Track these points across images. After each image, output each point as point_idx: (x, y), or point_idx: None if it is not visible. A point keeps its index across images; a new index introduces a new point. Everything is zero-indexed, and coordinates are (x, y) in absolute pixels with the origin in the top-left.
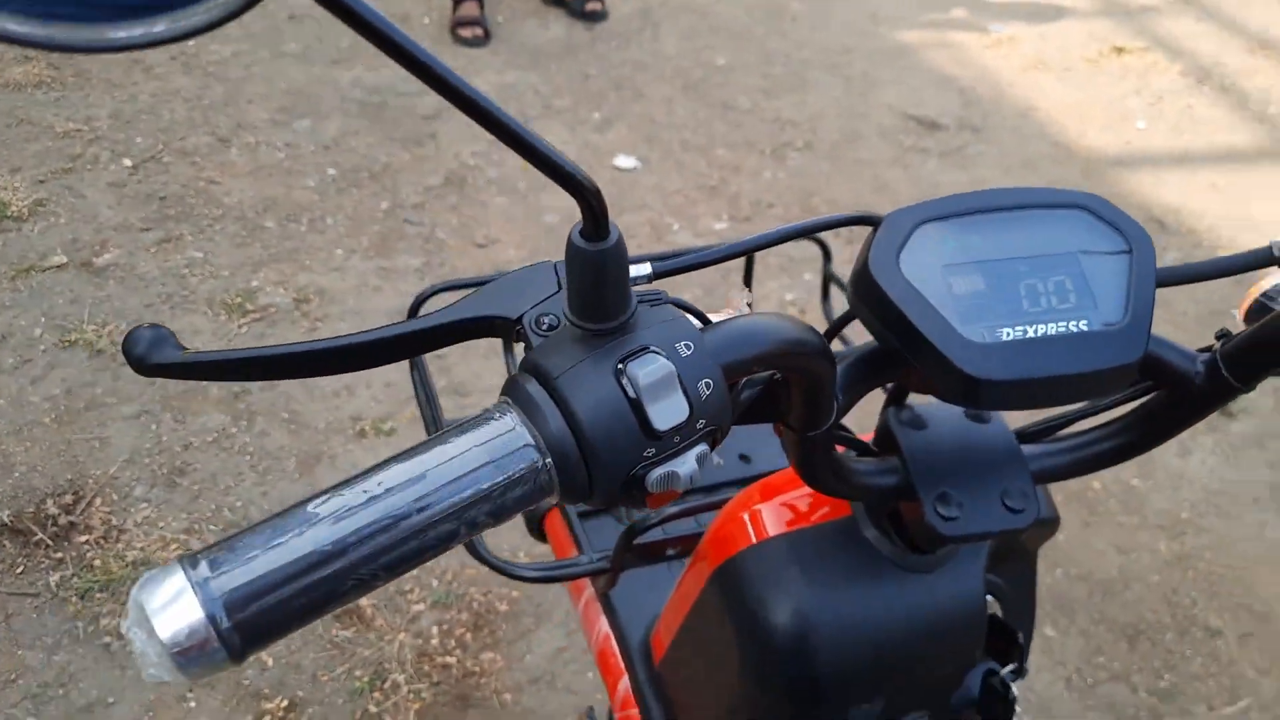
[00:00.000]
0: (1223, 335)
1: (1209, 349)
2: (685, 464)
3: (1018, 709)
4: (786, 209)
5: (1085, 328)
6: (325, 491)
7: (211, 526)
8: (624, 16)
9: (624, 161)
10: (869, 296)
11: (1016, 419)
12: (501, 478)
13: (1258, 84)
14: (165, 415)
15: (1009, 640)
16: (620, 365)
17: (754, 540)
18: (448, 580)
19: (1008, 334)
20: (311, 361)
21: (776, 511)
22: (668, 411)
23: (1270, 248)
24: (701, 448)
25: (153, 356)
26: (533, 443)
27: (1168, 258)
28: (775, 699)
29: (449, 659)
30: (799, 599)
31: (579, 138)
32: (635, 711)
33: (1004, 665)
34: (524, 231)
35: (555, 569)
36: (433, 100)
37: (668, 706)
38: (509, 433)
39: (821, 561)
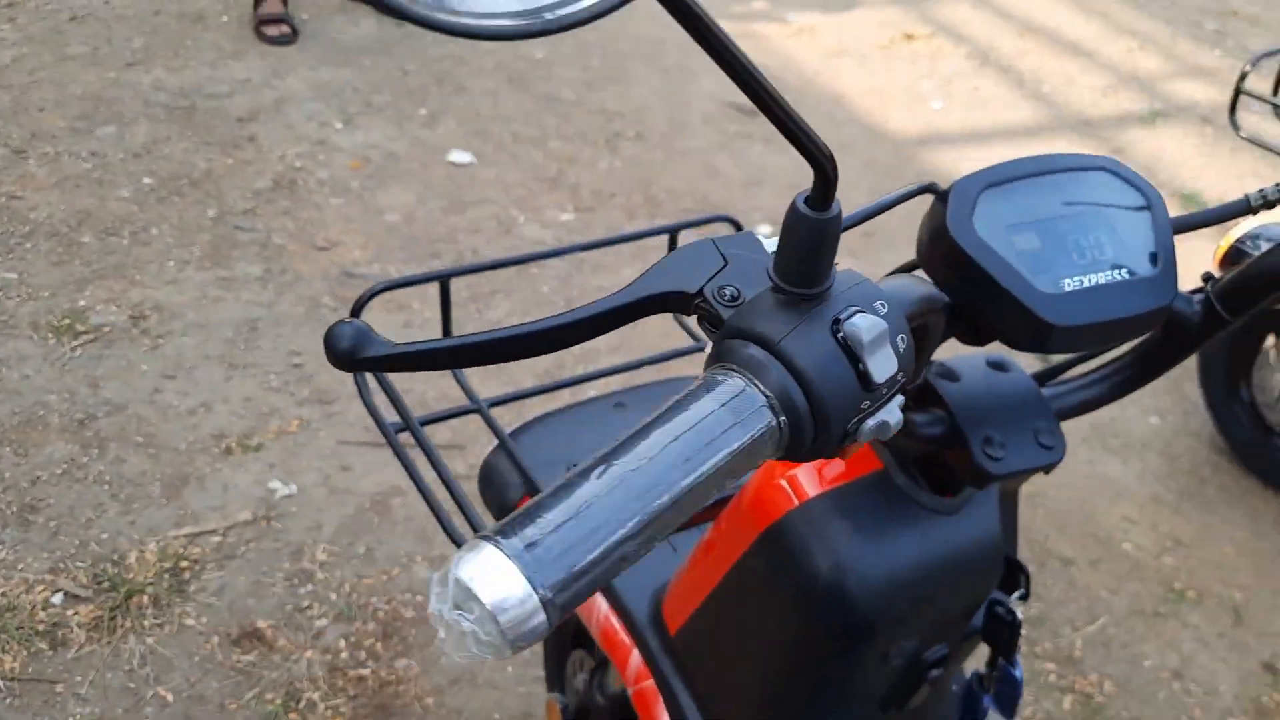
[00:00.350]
0: (1208, 278)
1: (1199, 290)
2: (893, 413)
3: (1022, 631)
4: (628, 197)
5: (1127, 276)
6: (599, 463)
7: (79, 564)
8: None
9: (458, 157)
10: (948, 255)
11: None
12: (745, 438)
13: (1029, 65)
14: (3, 449)
15: (1012, 570)
16: (835, 325)
17: (796, 503)
18: (346, 592)
19: (1069, 285)
20: (505, 347)
21: (809, 474)
22: (883, 365)
23: (1247, 199)
24: (900, 398)
25: (362, 351)
26: (766, 402)
27: None
28: (826, 647)
29: (363, 671)
30: (848, 552)
31: (407, 134)
32: (650, 683)
33: (1009, 595)
34: (366, 232)
35: None
36: (245, 101)
37: (687, 673)
38: (743, 394)
39: (862, 514)
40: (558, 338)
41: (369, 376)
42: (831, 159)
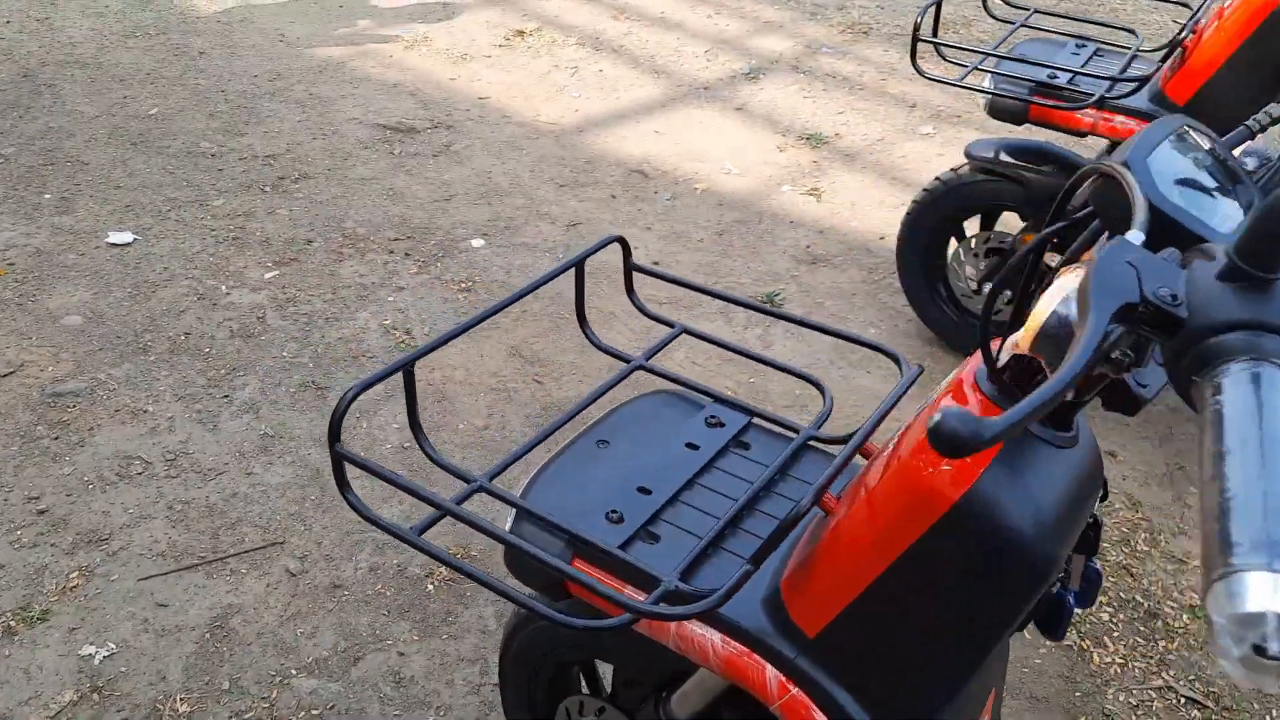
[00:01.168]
0: None
1: None
2: None
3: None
4: (326, 239)
5: (1239, 210)
6: (1218, 462)
7: None
8: (5, 84)
9: (118, 237)
10: (1148, 215)
11: None
12: None
13: (636, 43)
14: None
15: None
16: None
17: (969, 484)
18: None
19: (1227, 223)
20: None
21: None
22: None
23: (1248, 128)
24: None
25: (984, 433)
26: None
27: (663, 198)
28: (1016, 594)
29: None
30: (1025, 506)
31: (44, 225)
32: (797, 691)
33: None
34: (51, 343)
35: (694, 598)
36: None
37: (837, 669)
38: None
39: (1023, 470)
40: None
41: (355, 489)
42: None
